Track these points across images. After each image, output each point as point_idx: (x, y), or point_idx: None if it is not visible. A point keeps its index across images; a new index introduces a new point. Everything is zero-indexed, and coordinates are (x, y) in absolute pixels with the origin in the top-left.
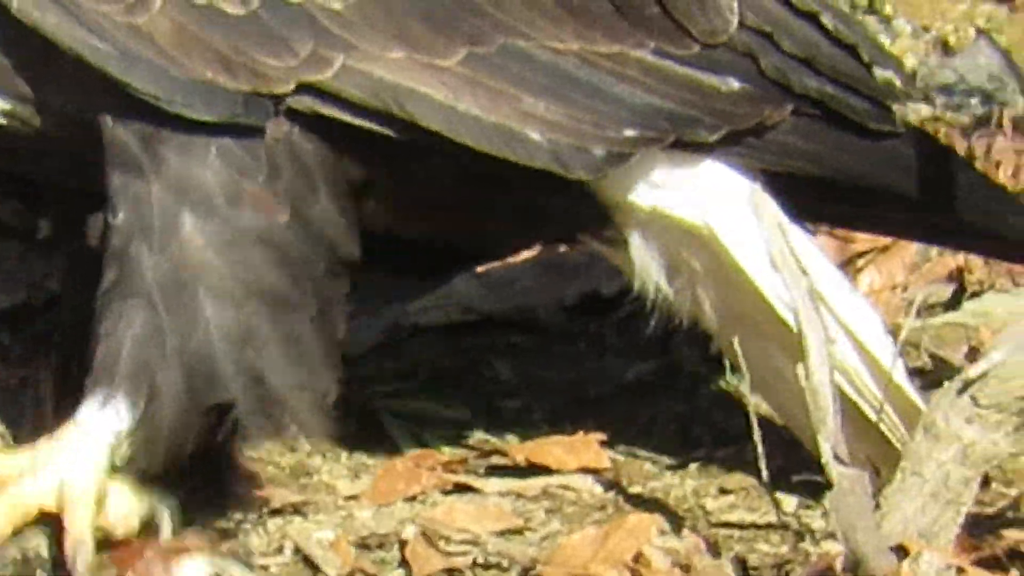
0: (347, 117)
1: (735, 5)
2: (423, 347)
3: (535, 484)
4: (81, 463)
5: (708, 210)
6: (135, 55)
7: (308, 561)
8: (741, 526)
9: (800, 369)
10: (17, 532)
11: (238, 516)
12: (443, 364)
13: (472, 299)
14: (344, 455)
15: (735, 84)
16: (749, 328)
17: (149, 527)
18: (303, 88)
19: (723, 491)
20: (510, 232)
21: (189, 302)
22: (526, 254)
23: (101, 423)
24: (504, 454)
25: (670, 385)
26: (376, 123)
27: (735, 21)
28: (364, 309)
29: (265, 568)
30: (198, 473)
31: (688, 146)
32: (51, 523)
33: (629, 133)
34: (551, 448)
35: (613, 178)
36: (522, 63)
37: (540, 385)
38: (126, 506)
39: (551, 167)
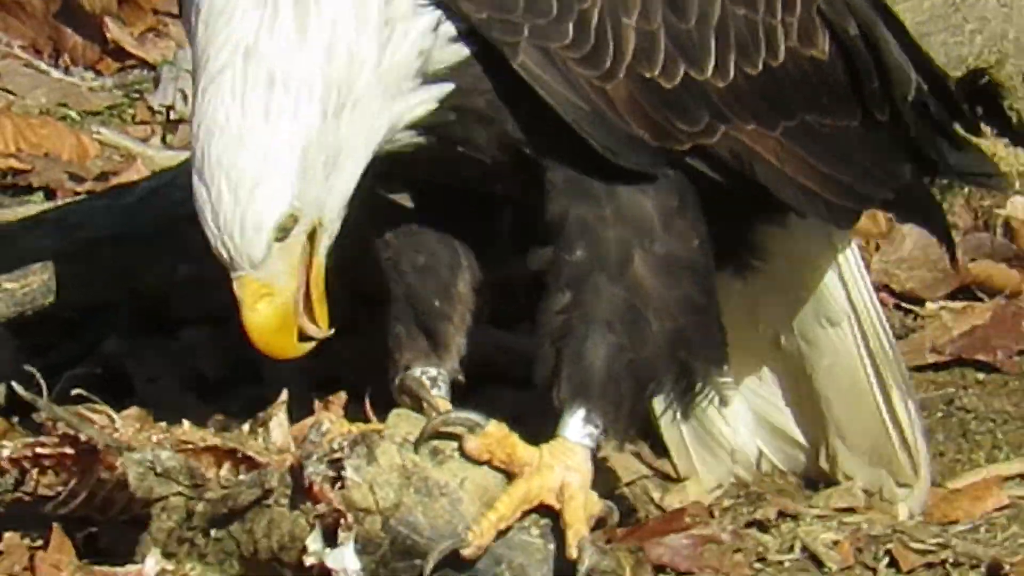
0: (713, 175)
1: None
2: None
3: None
4: (575, 469)
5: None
6: (601, 114)
7: (814, 558)
8: None
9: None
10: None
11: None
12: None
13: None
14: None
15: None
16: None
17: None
18: (693, 148)
19: None
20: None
21: (641, 323)
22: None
23: (586, 436)
24: None
25: None
26: (731, 180)
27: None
28: None
29: (780, 564)
30: None
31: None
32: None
33: (875, 194)
34: None
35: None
36: (811, 134)
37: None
38: (594, 501)
39: (822, 218)
